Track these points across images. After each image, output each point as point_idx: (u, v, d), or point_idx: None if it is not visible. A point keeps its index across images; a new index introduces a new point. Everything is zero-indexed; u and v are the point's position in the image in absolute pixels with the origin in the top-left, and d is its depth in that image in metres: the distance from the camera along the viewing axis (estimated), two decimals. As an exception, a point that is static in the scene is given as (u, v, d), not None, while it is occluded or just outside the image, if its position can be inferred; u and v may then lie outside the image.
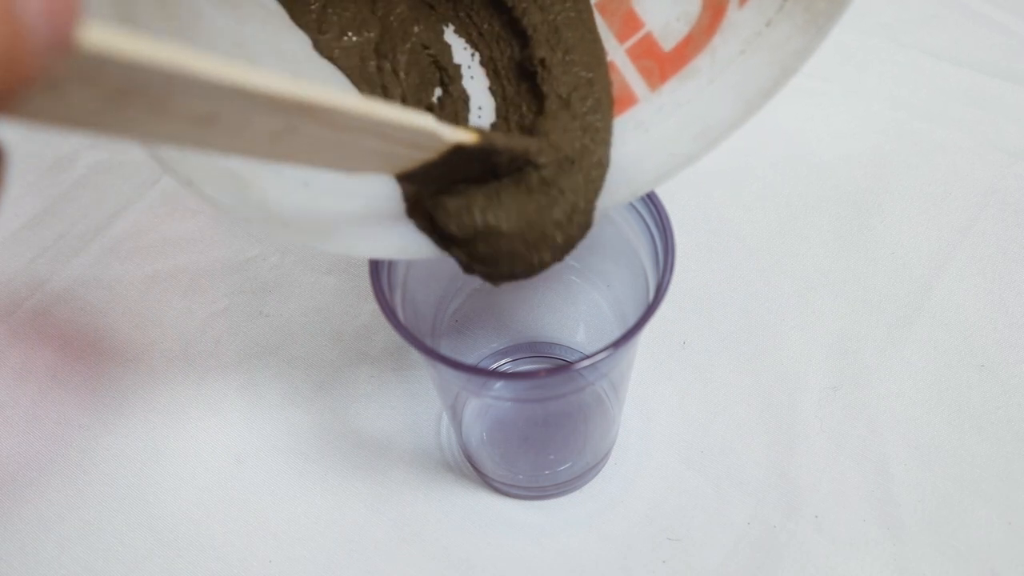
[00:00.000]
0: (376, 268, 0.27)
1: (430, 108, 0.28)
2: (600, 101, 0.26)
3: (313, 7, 0.28)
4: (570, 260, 0.35)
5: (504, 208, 0.23)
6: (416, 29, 0.28)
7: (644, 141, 0.26)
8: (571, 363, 0.26)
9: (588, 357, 0.25)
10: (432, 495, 0.36)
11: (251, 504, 0.36)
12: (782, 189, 0.46)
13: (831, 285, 0.42)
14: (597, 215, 0.26)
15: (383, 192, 0.26)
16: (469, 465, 0.36)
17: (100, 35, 0.13)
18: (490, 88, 0.28)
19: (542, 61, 0.26)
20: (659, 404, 0.38)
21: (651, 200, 0.29)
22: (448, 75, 0.28)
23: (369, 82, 0.27)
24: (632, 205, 0.30)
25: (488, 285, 0.25)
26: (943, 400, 0.38)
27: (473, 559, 0.34)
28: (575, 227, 0.24)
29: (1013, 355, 0.39)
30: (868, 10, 0.55)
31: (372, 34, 0.28)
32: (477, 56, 0.29)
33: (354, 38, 0.28)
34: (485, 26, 0.29)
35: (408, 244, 0.25)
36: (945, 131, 0.48)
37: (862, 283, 0.42)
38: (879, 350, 0.39)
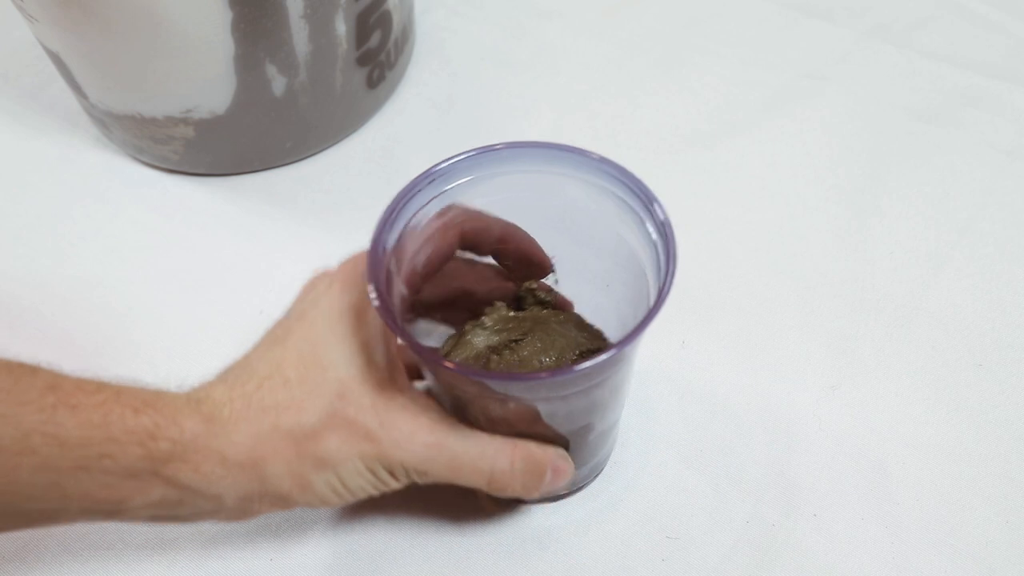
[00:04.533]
0: (375, 267, 0.27)
1: None
2: None
3: None
4: (570, 263, 0.35)
5: None
6: None
7: None
8: (572, 365, 0.26)
9: (588, 359, 0.25)
10: (433, 495, 0.36)
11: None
12: (780, 189, 0.46)
13: (829, 285, 0.42)
14: None
15: None
16: None
17: None
18: None
19: None
20: (659, 404, 0.38)
21: (652, 204, 0.29)
22: None
23: None
24: (633, 209, 0.30)
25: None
26: (941, 399, 0.38)
27: (474, 559, 0.34)
28: None
29: (1011, 354, 0.39)
30: (866, 11, 0.55)
31: None
32: None
33: None
34: None
35: None
36: (943, 131, 0.48)
37: (860, 283, 0.42)
38: (877, 349, 0.39)
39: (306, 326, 0.29)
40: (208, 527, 0.35)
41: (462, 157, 0.30)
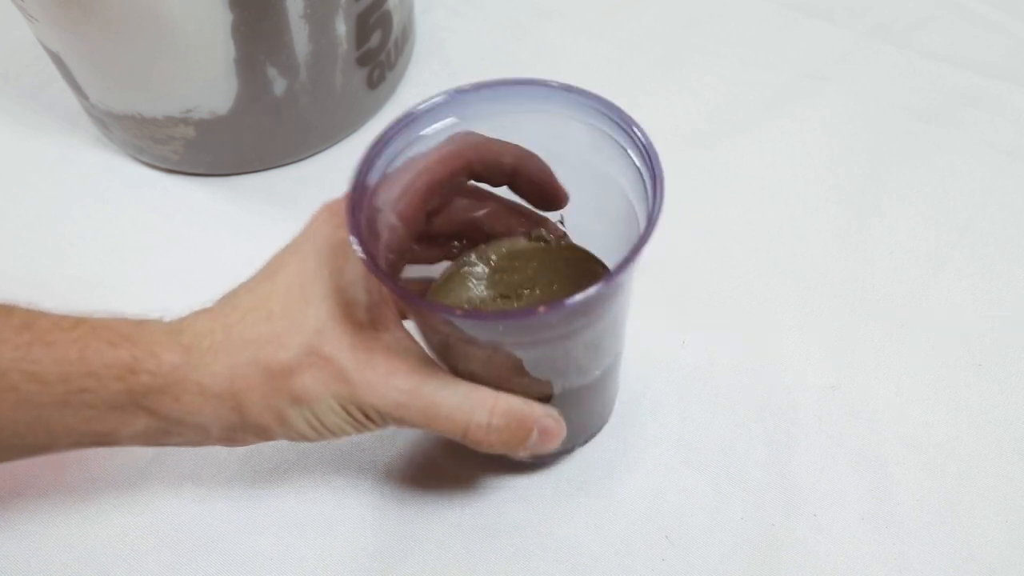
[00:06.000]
0: (354, 211, 0.26)
1: None
2: None
3: None
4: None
5: None
6: None
7: None
8: (564, 300, 0.24)
9: (581, 292, 0.24)
10: (434, 494, 0.36)
11: (252, 501, 0.36)
12: (780, 189, 0.46)
13: (830, 285, 0.42)
14: None
15: None
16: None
17: None
18: None
19: None
20: (659, 403, 0.38)
21: (631, 127, 0.27)
22: None
23: None
24: (612, 138, 0.28)
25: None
26: (941, 399, 0.38)
27: (474, 558, 0.34)
28: None
29: (1010, 354, 0.39)
30: (866, 11, 0.55)
31: None
32: None
33: None
34: None
35: None
36: (943, 131, 0.48)
37: (860, 283, 0.42)
38: (877, 349, 0.40)
39: (298, 260, 0.29)
40: (209, 523, 0.35)
41: (428, 103, 0.29)
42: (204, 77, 0.42)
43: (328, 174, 0.48)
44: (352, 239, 0.26)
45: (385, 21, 0.46)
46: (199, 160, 0.46)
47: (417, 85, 0.51)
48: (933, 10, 0.54)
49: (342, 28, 0.43)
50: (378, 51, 0.47)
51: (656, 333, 0.40)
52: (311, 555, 0.34)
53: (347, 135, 0.49)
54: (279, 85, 0.43)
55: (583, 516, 0.35)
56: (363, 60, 0.46)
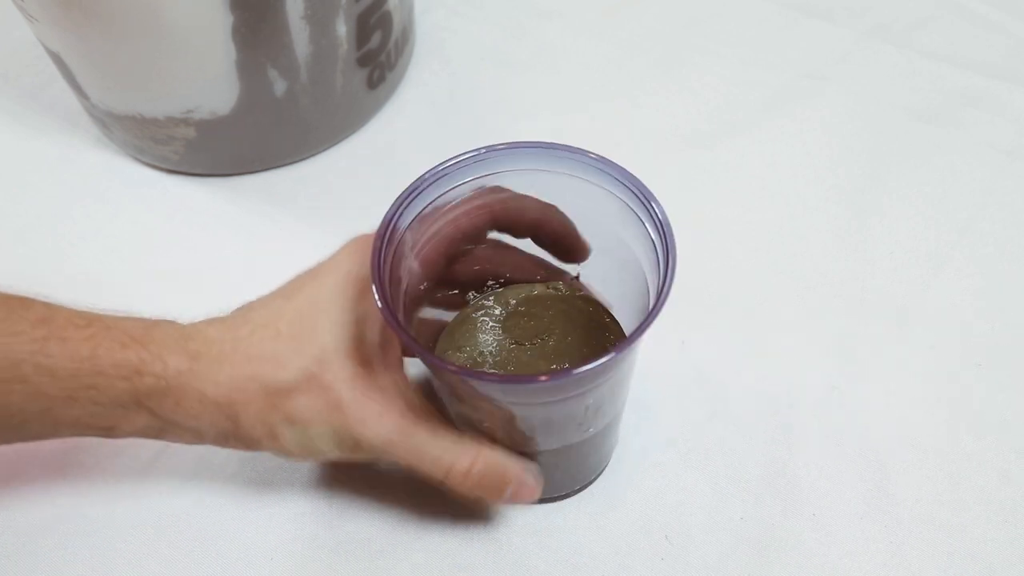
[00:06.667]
0: (378, 264, 0.27)
1: None
2: None
3: None
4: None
5: None
6: None
7: None
8: (571, 368, 0.25)
9: (589, 362, 0.25)
10: (434, 492, 0.36)
11: (253, 502, 0.36)
12: (780, 189, 0.46)
13: (829, 285, 0.42)
14: None
15: None
16: None
17: None
18: None
19: None
20: (659, 404, 0.38)
21: (650, 203, 0.28)
22: None
23: None
24: (631, 209, 0.30)
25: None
26: (940, 399, 0.38)
27: (474, 559, 0.34)
28: None
29: (1010, 354, 0.39)
30: (866, 11, 0.55)
31: None
32: None
33: None
34: None
35: None
36: (943, 131, 0.48)
37: (860, 283, 0.42)
38: (877, 349, 0.40)
39: (315, 285, 0.30)
40: (209, 523, 0.35)
41: (463, 159, 0.30)
42: (205, 78, 0.42)
43: (328, 174, 0.48)
44: (374, 288, 0.27)
45: (385, 22, 0.46)
46: (199, 160, 0.46)
47: (417, 85, 0.51)
48: (933, 10, 0.54)
49: (342, 29, 0.43)
50: (378, 52, 0.47)
51: (656, 333, 0.40)
52: (311, 553, 0.34)
53: (347, 136, 0.49)
54: (280, 86, 0.43)
55: (583, 516, 0.35)
56: (363, 61, 0.46)
